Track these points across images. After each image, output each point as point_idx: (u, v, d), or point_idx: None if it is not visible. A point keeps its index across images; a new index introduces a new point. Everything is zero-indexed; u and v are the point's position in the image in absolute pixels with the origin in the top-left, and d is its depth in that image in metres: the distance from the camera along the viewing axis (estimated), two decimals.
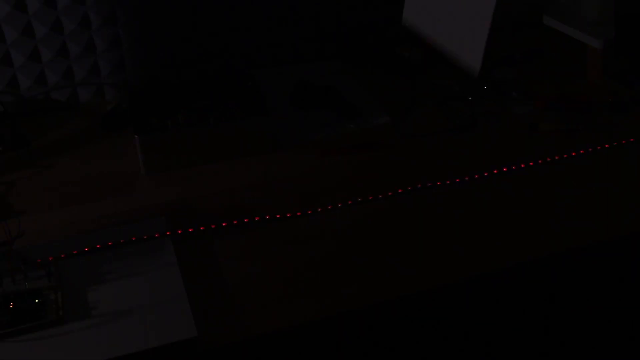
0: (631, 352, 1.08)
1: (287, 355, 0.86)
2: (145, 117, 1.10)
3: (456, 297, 0.91)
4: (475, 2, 0.87)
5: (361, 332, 0.89)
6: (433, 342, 0.95)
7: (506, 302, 0.96)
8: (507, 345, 1.00)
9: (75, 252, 0.91)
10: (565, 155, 1.09)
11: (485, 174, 1.06)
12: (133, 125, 1.09)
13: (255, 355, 0.83)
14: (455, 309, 0.93)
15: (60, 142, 1.18)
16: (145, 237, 0.94)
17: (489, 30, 0.83)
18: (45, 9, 1.19)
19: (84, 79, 1.26)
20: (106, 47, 1.25)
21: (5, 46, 1.19)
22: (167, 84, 1.30)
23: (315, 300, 0.85)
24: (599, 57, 1.27)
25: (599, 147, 1.10)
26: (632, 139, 1.12)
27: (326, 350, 0.88)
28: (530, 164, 1.07)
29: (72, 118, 1.24)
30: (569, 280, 0.97)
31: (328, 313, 0.84)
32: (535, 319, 0.99)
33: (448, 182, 1.04)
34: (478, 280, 0.90)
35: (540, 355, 1.03)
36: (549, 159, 1.08)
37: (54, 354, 0.78)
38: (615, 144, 1.11)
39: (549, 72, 1.32)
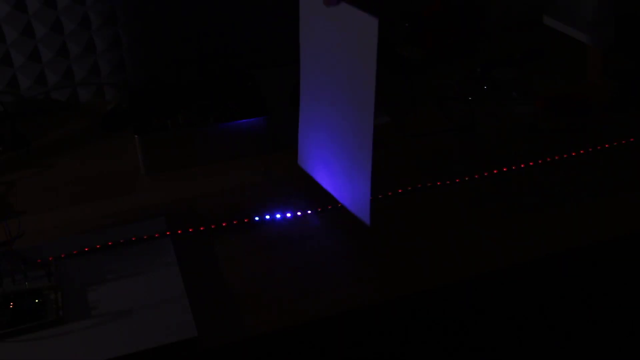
0: (631, 352, 1.08)
1: (287, 355, 0.86)
2: (145, 117, 1.10)
3: (456, 297, 0.91)
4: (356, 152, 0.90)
5: (361, 332, 0.89)
6: (433, 342, 0.95)
7: (506, 302, 0.96)
8: (507, 345, 1.00)
9: (75, 252, 0.91)
10: (565, 155, 1.09)
11: (485, 174, 1.06)
12: (133, 125, 1.09)
13: (255, 355, 0.83)
14: (455, 309, 0.92)
15: (60, 142, 1.18)
16: (145, 237, 0.94)
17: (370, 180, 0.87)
18: (45, 9, 1.19)
19: (84, 79, 1.26)
20: (106, 47, 1.25)
21: (5, 46, 1.19)
22: (167, 84, 1.30)
23: (315, 300, 0.85)
24: (599, 57, 1.27)
25: (599, 147, 1.10)
26: (632, 139, 1.12)
27: (326, 350, 0.88)
28: (530, 164, 1.07)
29: (72, 118, 1.24)
30: (569, 280, 0.97)
31: (328, 313, 0.84)
32: (535, 319, 0.99)
33: (448, 182, 1.04)
34: (478, 280, 0.90)
35: (540, 355, 1.03)
36: (549, 159, 1.08)
37: (54, 354, 0.78)
38: (615, 144, 1.11)
39: (549, 72, 1.32)
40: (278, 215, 0.98)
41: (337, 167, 0.94)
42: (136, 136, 1.07)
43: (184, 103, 1.13)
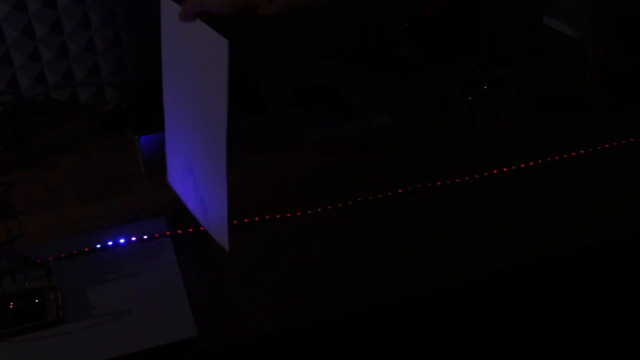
0: (631, 352, 1.08)
1: (287, 355, 0.86)
2: (145, 117, 1.10)
3: (456, 297, 0.91)
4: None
5: (361, 332, 0.89)
6: (433, 342, 0.95)
7: (506, 302, 0.96)
8: (507, 345, 1.00)
9: (75, 252, 0.91)
10: (565, 155, 1.09)
11: (485, 174, 1.06)
12: (133, 125, 1.09)
13: (255, 355, 0.83)
14: (455, 309, 0.92)
15: (60, 142, 1.18)
16: (145, 237, 0.94)
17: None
18: (45, 9, 1.19)
19: (84, 79, 1.26)
20: (106, 47, 1.25)
21: (5, 46, 1.19)
22: None
23: (315, 300, 0.85)
24: (599, 57, 1.27)
25: (599, 147, 1.10)
26: (632, 139, 1.12)
27: (326, 350, 0.88)
28: (531, 164, 1.07)
29: (72, 118, 1.24)
30: (569, 280, 0.97)
31: (328, 313, 0.84)
32: (535, 319, 0.99)
33: (448, 182, 1.04)
34: (478, 280, 0.90)
35: (540, 355, 1.03)
36: (549, 159, 1.08)
37: (54, 354, 0.78)
38: (615, 144, 1.11)
39: (549, 72, 1.32)
40: (278, 216, 0.98)
41: (196, 189, 0.90)
42: (136, 136, 1.07)
43: None
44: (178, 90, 0.90)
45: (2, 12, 1.17)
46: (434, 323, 0.93)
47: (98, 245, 0.92)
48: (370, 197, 1.01)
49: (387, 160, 1.10)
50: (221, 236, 0.86)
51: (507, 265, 0.90)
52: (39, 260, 0.87)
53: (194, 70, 0.84)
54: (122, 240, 0.93)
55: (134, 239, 0.93)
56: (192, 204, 0.93)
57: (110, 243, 0.93)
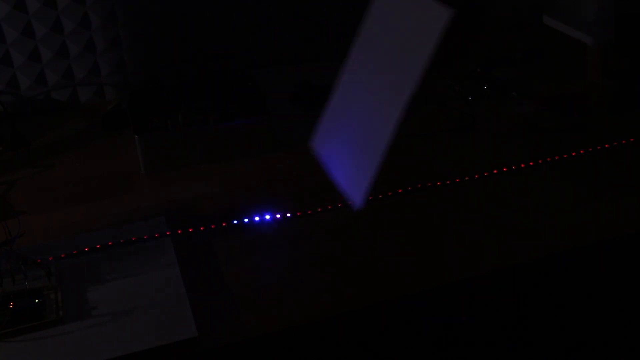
0: (631, 352, 1.08)
1: (287, 355, 0.86)
2: (145, 117, 1.10)
3: (456, 297, 0.91)
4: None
5: (361, 332, 0.89)
6: (433, 342, 0.95)
7: (506, 302, 0.96)
8: (507, 345, 1.00)
9: (75, 252, 0.91)
10: (565, 155, 1.09)
11: (485, 174, 1.06)
12: (133, 125, 1.09)
13: (255, 355, 0.83)
14: (455, 309, 0.92)
15: (60, 142, 1.18)
16: (145, 237, 0.94)
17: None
18: (45, 9, 1.19)
19: (84, 79, 1.26)
20: (106, 47, 1.25)
21: (5, 46, 1.19)
22: (167, 84, 1.30)
23: (315, 300, 0.85)
24: (599, 57, 1.27)
25: (599, 147, 1.10)
26: (632, 139, 1.12)
27: (326, 350, 0.88)
28: (531, 164, 1.07)
29: (72, 118, 1.24)
30: (569, 280, 0.97)
31: (328, 313, 0.84)
32: (535, 319, 0.99)
33: (448, 182, 1.04)
34: (478, 280, 0.90)
35: (540, 355, 1.03)
36: (549, 159, 1.08)
37: (54, 354, 0.78)
38: (615, 144, 1.11)
39: (549, 72, 1.32)
40: (278, 215, 0.98)
41: (350, 148, 0.94)
42: (136, 136, 1.07)
43: (184, 103, 1.13)
44: (369, 56, 0.95)
45: (2, 12, 1.17)
46: (434, 323, 0.93)
47: (98, 245, 0.92)
48: (371, 197, 1.01)
49: (387, 160, 1.10)
50: (357, 193, 0.89)
51: (507, 265, 0.90)
52: (39, 260, 0.87)
53: (401, 37, 0.90)
54: (122, 240, 0.93)
55: (134, 239, 0.93)
56: (332, 164, 0.96)
57: (110, 243, 0.93)
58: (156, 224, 0.96)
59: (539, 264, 0.92)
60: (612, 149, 1.11)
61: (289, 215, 0.98)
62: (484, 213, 0.99)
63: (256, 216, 0.98)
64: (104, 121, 1.20)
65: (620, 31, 1.25)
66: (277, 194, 1.03)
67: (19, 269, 0.86)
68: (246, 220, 0.98)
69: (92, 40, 1.24)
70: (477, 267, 0.90)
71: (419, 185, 1.03)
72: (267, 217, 0.98)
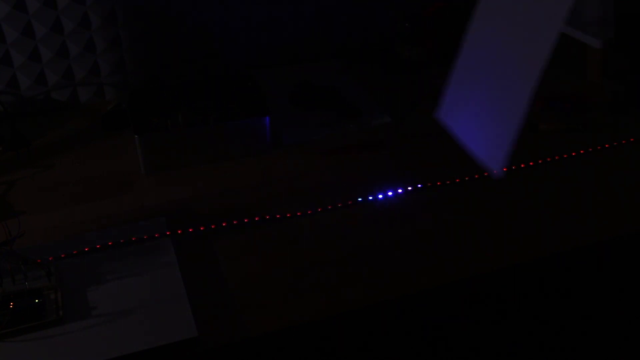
0: (631, 352, 1.08)
1: (287, 355, 0.86)
2: (145, 117, 1.10)
3: (456, 297, 0.91)
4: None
5: (361, 332, 0.89)
6: (433, 342, 0.95)
7: (506, 302, 0.96)
8: (506, 345, 1.00)
9: (75, 252, 0.91)
10: (565, 155, 1.09)
11: (485, 174, 1.06)
12: (133, 125, 1.09)
13: (255, 355, 0.83)
14: (454, 309, 0.93)
15: (60, 142, 1.18)
16: (145, 237, 0.94)
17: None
18: (45, 9, 1.19)
19: (84, 79, 1.26)
20: (106, 47, 1.25)
21: (5, 46, 1.19)
22: (167, 84, 1.30)
23: (315, 300, 0.85)
24: (599, 57, 1.27)
25: (599, 147, 1.10)
26: (632, 139, 1.12)
27: (326, 350, 0.88)
28: (531, 163, 1.07)
29: (72, 118, 1.24)
30: (569, 280, 0.97)
31: (328, 313, 0.84)
32: (535, 319, 0.99)
33: (448, 182, 1.04)
34: (478, 280, 0.90)
35: (540, 355, 1.03)
36: (549, 159, 1.08)
37: (54, 354, 0.78)
38: (615, 144, 1.11)
39: (549, 72, 1.31)
40: (278, 216, 0.98)
41: (483, 115, 0.95)
42: (136, 136, 1.07)
43: (184, 103, 1.13)
44: (495, 25, 0.96)
45: (2, 12, 1.17)
46: (434, 323, 0.93)
47: (98, 245, 0.92)
48: (370, 197, 1.01)
49: (387, 160, 1.10)
50: (496, 159, 0.89)
51: (507, 265, 0.90)
52: (39, 260, 0.87)
53: (528, 5, 0.91)
54: (122, 240, 0.93)
55: (134, 239, 0.93)
56: (464, 132, 0.97)
57: (110, 243, 0.93)
58: (156, 224, 0.96)
59: (539, 264, 0.92)
60: (612, 149, 1.11)
61: (289, 215, 0.99)
62: (484, 213, 0.99)
63: (256, 216, 0.98)
64: (104, 121, 1.20)
65: (620, 31, 1.25)
66: (277, 194, 1.03)
67: (19, 269, 0.86)
68: (246, 220, 0.98)
69: (92, 40, 1.24)
70: (477, 267, 0.90)
71: (419, 185, 1.03)
72: (267, 217, 0.98)
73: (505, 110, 0.91)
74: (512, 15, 0.93)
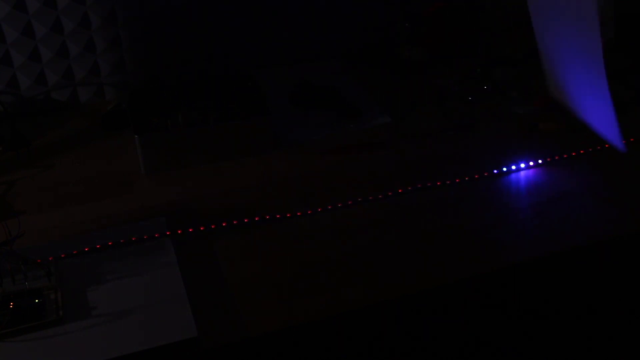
0: (631, 352, 1.08)
1: (287, 355, 0.86)
2: (145, 117, 1.10)
3: (456, 297, 0.91)
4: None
5: (361, 332, 0.89)
6: (433, 342, 0.95)
7: (506, 302, 0.96)
8: (506, 345, 1.00)
9: (75, 252, 0.91)
10: (565, 155, 1.09)
11: (485, 174, 1.06)
12: (133, 125, 1.09)
13: (255, 355, 0.83)
14: (454, 309, 0.93)
15: (60, 142, 1.18)
16: (145, 237, 0.94)
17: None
18: (45, 9, 1.19)
19: (84, 79, 1.26)
20: (106, 47, 1.25)
21: (5, 46, 1.19)
22: (167, 84, 1.30)
23: (315, 300, 0.85)
24: None
25: (599, 147, 1.10)
26: (632, 139, 1.12)
27: (326, 350, 0.88)
28: (531, 163, 1.07)
29: (72, 118, 1.24)
30: (569, 280, 0.97)
31: (328, 313, 0.84)
32: (535, 319, 0.99)
33: (448, 182, 1.04)
34: (477, 280, 0.90)
35: (540, 355, 1.03)
36: (549, 159, 1.08)
37: (54, 354, 0.78)
38: None
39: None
40: (278, 216, 0.98)
41: (580, 94, 1.00)
42: (136, 136, 1.07)
43: (184, 103, 1.13)
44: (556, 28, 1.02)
45: (2, 12, 1.17)
46: (434, 323, 0.93)
47: (98, 245, 0.92)
48: (370, 197, 1.01)
49: (387, 160, 1.10)
50: (614, 138, 0.97)
51: (507, 265, 0.90)
52: (39, 260, 0.87)
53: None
54: (122, 240, 0.93)
55: (134, 239, 0.93)
56: (580, 111, 1.03)
57: (110, 243, 0.93)
58: (156, 224, 0.96)
59: (539, 264, 0.92)
60: (612, 149, 1.10)
61: (289, 215, 0.98)
62: (484, 213, 0.99)
63: (256, 216, 0.98)
64: (104, 121, 1.20)
65: (620, 31, 1.25)
66: (277, 194, 1.03)
67: (19, 269, 0.86)
68: (246, 220, 0.98)
69: (92, 40, 1.24)
70: (476, 267, 0.90)
71: (419, 185, 1.03)
72: (267, 217, 0.98)
73: (595, 94, 0.95)
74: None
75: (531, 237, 0.94)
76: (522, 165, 1.07)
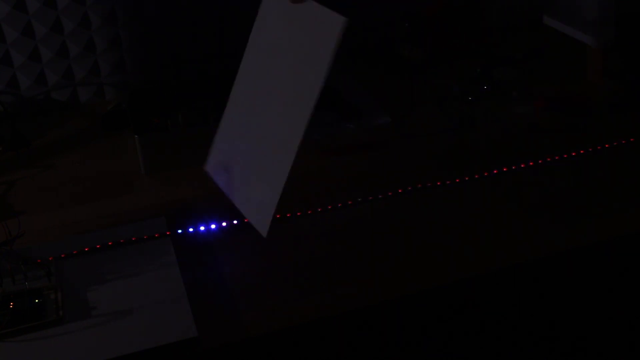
0: (631, 352, 1.08)
1: (287, 355, 0.86)
2: (145, 117, 1.10)
3: (456, 297, 0.91)
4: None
5: (361, 332, 0.89)
6: (433, 342, 0.95)
7: (506, 302, 0.96)
8: (506, 345, 1.00)
9: (75, 252, 0.91)
10: (565, 155, 1.09)
11: (485, 174, 1.06)
12: (133, 125, 1.09)
13: (255, 355, 0.83)
14: (454, 309, 0.92)
15: (60, 142, 1.18)
16: (145, 237, 0.94)
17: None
18: (45, 9, 1.19)
19: (84, 79, 1.26)
20: (106, 47, 1.25)
21: (5, 46, 1.19)
22: (167, 84, 1.30)
23: (315, 300, 0.85)
24: (599, 57, 1.27)
25: (599, 147, 1.10)
26: (632, 139, 1.12)
27: (326, 350, 0.88)
28: (531, 163, 1.07)
29: (72, 118, 1.24)
30: (569, 280, 0.97)
31: (328, 313, 0.84)
32: (535, 319, 0.99)
33: (448, 182, 1.04)
34: (478, 280, 0.90)
35: (540, 355, 1.03)
36: (549, 159, 1.08)
37: (54, 354, 0.78)
38: (615, 144, 1.11)
39: (549, 72, 1.32)
40: (278, 216, 0.98)
41: (250, 172, 0.90)
42: (136, 136, 1.07)
43: (184, 103, 1.13)
44: (264, 69, 0.89)
45: (2, 12, 1.17)
46: (434, 323, 0.93)
47: (98, 245, 0.92)
48: (370, 197, 1.01)
49: (387, 160, 1.10)
50: (262, 222, 0.86)
51: (507, 265, 0.90)
52: (39, 260, 0.87)
53: (295, 51, 0.85)
54: (122, 240, 0.93)
55: (134, 239, 0.93)
56: (233, 190, 0.92)
57: (110, 243, 0.93)
58: (156, 224, 0.96)
59: (539, 264, 0.92)
60: (612, 149, 1.11)
61: (288, 215, 0.98)
62: (484, 213, 0.99)
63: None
64: (104, 121, 1.20)
65: (620, 31, 1.25)
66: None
67: (19, 269, 0.86)
68: (246, 220, 0.97)
69: (92, 40, 1.24)
70: (477, 267, 0.90)
71: (419, 185, 1.03)
72: None
73: (269, 170, 0.86)
74: (276, 65, 0.87)
75: (531, 237, 0.94)
76: (522, 165, 1.07)
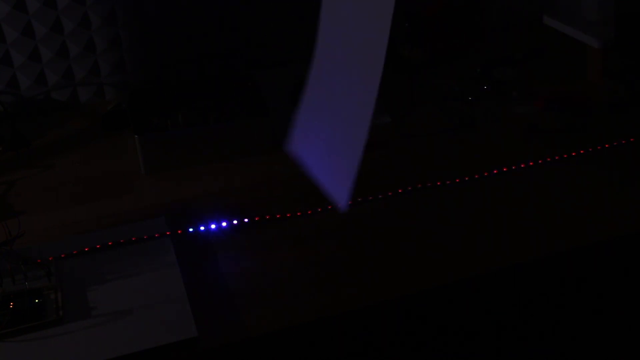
0: (631, 352, 1.08)
1: (287, 355, 0.86)
2: (145, 117, 1.10)
3: (456, 297, 0.91)
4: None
5: (361, 332, 0.89)
6: (433, 342, 0.95)
7: (506, 302, 0.96)
8: (506, 345, 1.00)
9: (75, 252, 0.91)
10: (565, 155, 1.09)
11: (485, 174, 1.06)
12: (133, 125, 1.09)
13: (255, 355, 0.83)
14: (454, 309, 0.92)
15: (60, 142, 1.18)
16: (145, 237, 0.94)
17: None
18: (45, 9, 1.19)
19: (84, 79, 1.26)
20: (106, 47, 1.25)
21: (5, 46, 1.19)
22: (167, 84, 1.30)
23: (315, 300, 0.85)
24: (599, 57, 1.27)
25: (599, 147, 1.10)
26: (632, 139, 1.12)
27: (326, 350, 0.88)
28: (530, 163, 1.07)
29: (72, 118, 1.24)
30: (569, 280, 0.97)
31: (328, 313, 0.84)
32: (535, 319, 0.99)
33: (448, 182, 1.04)
34: (478, 280, 0.90)
35: (540, 356, 1.03)
36: (549, 159, 1.08)
37: (54, 354, 0.78)
38: (615, 144, 1.11)
39: (549, 72, 1.32)
40: (278, 215, 0.98)
41: (329, 147, 0.92)
42: (136, 136, 1.07)
43: (184, 103, 1.13)
44: (333, 47, 0.92)
45: (2, 12, 1.17)
46: (434, 323, 0.93)
47: (98, 245, 0.92)
48: (370, 197, 1.01)
49: (387, 160, 1.10)
50: (342, 196, 0.86)
51: (507, 265, 0.90)
52: (39, 260, 0.87)
53: (360, 22, 0.87)
54: (122, 240, 0.93)
55: (134, 239, 0.93)
56: (316, 163, 0.94)
57: (110, 243, 0.93)
58: (156, 224, 0.96)
59: (539, 264, 0.92)
60: (612, 149, 1.11)
61: (289, 215, 0.98)
62: (484, 213, 0.99)
63: (256, 216, 0.98)
64: (104, 121, 1.20)
65: (620, 31, 1.25)
66: (277, 194, 1.03)
67: (19, 269, 0.86)
68: (246, 220, 0.98)
69: (92, 40, 1.24)
70: (477, 268, 0.90)
71: (419, 185, 1.03)
72: (267, 217, 0.98)
73: (346, 144, 0.87)
74: (344, 45, 0.90)
75: (531, 237, 0.94)
76: (522, 165, 1.07)
